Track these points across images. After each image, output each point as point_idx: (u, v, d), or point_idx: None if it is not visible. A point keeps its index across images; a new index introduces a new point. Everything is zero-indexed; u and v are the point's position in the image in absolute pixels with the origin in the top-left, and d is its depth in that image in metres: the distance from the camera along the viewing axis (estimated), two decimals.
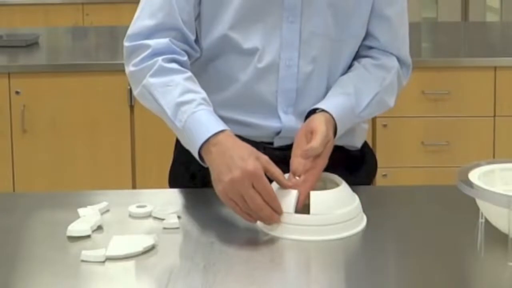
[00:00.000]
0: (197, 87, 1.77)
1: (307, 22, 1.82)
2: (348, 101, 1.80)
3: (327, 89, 1.85)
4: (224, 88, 1.86)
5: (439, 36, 4.44)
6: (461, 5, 6.01)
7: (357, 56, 1.90)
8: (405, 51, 1.93)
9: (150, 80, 1.77)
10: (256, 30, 1.82)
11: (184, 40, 1.83)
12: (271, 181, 1.64)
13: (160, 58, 1.78)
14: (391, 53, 1.90)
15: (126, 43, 1.84)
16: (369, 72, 1.86)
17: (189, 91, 1.74)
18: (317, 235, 1.60)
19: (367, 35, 1.89)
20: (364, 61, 1.88)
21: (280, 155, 1.72)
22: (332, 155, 1.73)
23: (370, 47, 1.90)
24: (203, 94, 1.76)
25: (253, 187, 1.60)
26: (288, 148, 1.75)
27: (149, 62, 1.79)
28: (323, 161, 1.69)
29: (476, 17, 5.95)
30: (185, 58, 1.83)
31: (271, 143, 1.87)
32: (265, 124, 1.85)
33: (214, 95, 1.81)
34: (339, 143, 1.85)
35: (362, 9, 1.85)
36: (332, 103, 1.79)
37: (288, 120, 1.85)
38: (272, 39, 1.82)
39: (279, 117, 1.85)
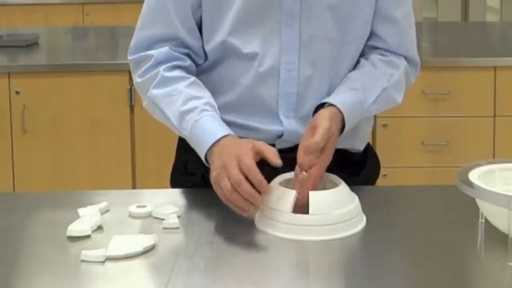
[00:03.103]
0: (200, 92, 1.79)
1: (306, 25, 1.81)
2: (356, 96, 1.80)
3: (329, 93, 1.84)
4: (226, 92, 1.86)
5: (439, 36, 4.44)
6: (461, 5, 6.01)
7: (363, 56, 1.90)
8: (413, 51, 1.93)
9: (154, 92, 1.81)
10: (255, 35, 1.81)
11: (185, 45, 1.84)
12: (269, 180, 1.65)
13: (161, 68, 1.81)
14: (399, 54, 1.90)
15: (129, 57, 1.86)
16: (377, 68, 1.86)
17: (191, 98, 1.77)
18: (317, 235, 1.60)
19: (374, 36, 1.88)
20: (372, 57, 1.88)
21: (282, 157, 1.72)
22: (335, 158, 1.73)
23: (376, 48, 1.90)
24: (206, 98, 1.78)
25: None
26: (291, 150, 1.76)
27: (152, 73, 1.82)
28: (326, 156, 1.70)
29: (476, 17, 5.95)
30: (188, 62, 1.84)
31: (273, 145, 1.86)
32: (266, 128, 1.85)
33: (217, 99, 1.82)
34: (342, 146, 1.85)
35: (363, 9, 1.84)
36: (340, 98, 1.79)
37: (289, 124, 1.84)
38: (271, 43, 1.82)
39: (280, 121, 1.85)
